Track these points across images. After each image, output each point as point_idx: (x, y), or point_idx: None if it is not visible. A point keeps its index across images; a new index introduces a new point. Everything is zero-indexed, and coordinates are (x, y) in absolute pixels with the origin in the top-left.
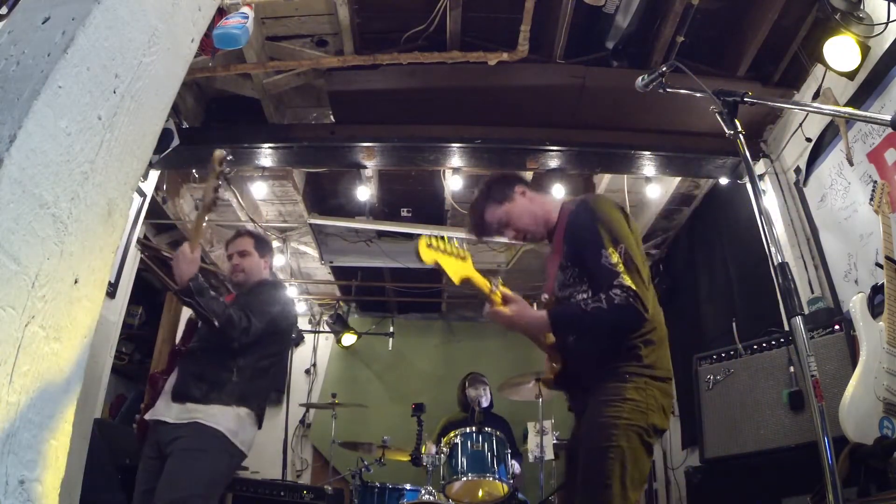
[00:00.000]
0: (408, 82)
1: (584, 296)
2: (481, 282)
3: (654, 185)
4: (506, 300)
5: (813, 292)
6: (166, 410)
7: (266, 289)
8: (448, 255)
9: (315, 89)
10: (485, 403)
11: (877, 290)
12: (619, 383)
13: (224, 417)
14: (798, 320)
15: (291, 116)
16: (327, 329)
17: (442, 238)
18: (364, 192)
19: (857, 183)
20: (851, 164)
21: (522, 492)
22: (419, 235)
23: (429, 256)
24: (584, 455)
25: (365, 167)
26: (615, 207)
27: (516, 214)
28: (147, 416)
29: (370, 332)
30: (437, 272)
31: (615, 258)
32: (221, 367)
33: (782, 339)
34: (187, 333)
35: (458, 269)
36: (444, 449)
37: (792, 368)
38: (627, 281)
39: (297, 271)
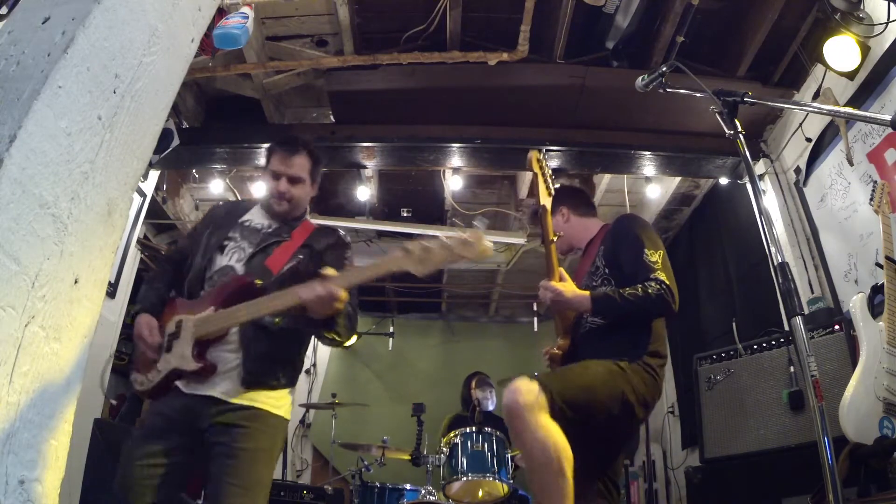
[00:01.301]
0: (408, 82)
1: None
2: (550, 223)
3: (654, 185)
4: (561, 277)
5: (813, 292)
6: (220, 385)
7: (345, 251)
8: (545, 179)
9: (315, 89)
10: (490, 407)
11: (877, 290)
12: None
13: (287, 402)
14: (798, 320)
15: (291, 116)
16: None
17: (547, 162)
18: (364, 192)
19: (857, 183)
20: (851, 164)
21: (525, 489)
22: (419, 236)
23: (535, 166)
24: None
25: (365, 167)
26: (652, 227)
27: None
28: (186, 389)
29: (370, 332)
30: (437, 272)
31: (655, 258)
32: (298, 348)
33: (782, 339)
34: (234, 293)
35: (544, 195)
36: (444, 449)
37: (792, 368)
38: (662, 276)
39: None
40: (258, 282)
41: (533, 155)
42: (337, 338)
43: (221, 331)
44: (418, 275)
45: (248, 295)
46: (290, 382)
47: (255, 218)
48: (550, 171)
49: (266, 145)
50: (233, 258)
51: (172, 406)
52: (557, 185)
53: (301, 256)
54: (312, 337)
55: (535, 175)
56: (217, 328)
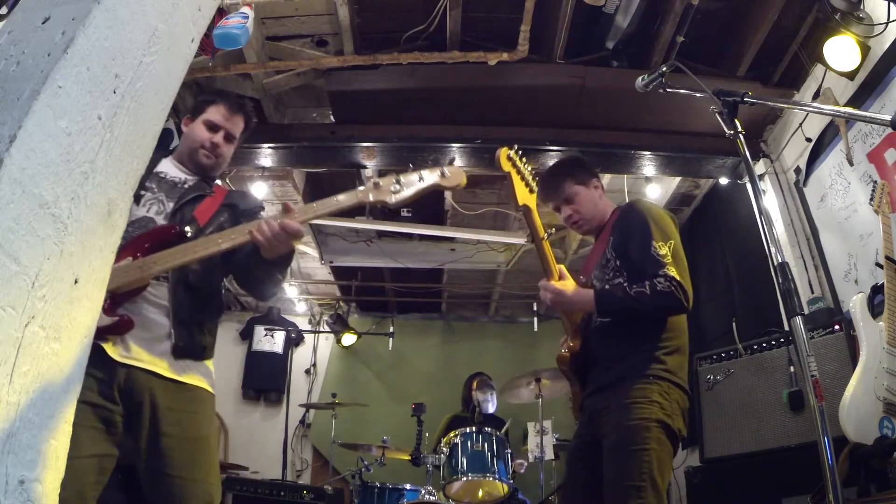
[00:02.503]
0: (408, 82)
1: (621, 281)
2: (538, 220)
3: (654, 185)
4: (561, 275)
5: (813, 292)
6: (153, 354)
7: (262, 214)
8: (521, 176)
9: (315, 89)
10: (491, 409)
11: (877, 290)
12: (644, 384)
13: (212, 374)
14: (798, 320)
15: (291, 116)
16: (327, 329)
17: (523, 158)
18: None
19: (857, 183)
20: (851, 164)
21: (522, 492)
22: (419, 235)
23: (505, 165)
24: (616, 458)
25: (365, 167)
26: (666, 212)
27: (585, 199)
28: (121, 358)
29: (370, 332)
30: (437, 272)
31: (664, 251)
32: (218, 314)
33: (782, 339)
34: (159, 242)
35: (524, 193)
36: (444, 449)
37: (792, 368)
38: (672, 272)
39: (297, 271)
40: (188, 230)
41: (502, 152)
42: (282, 278)
43: (142, 280)
44: (391, 205)
45: (177, 244)
46: (211, 352)
47: (170, 171)
48: (528, 167)
49: (266, 145)
50: (151, 210)
51: (99, 374)
52: (576, 157)
53: (226, 214)
54: (304, 337)
55: (509, 174)
56: (138, 277)
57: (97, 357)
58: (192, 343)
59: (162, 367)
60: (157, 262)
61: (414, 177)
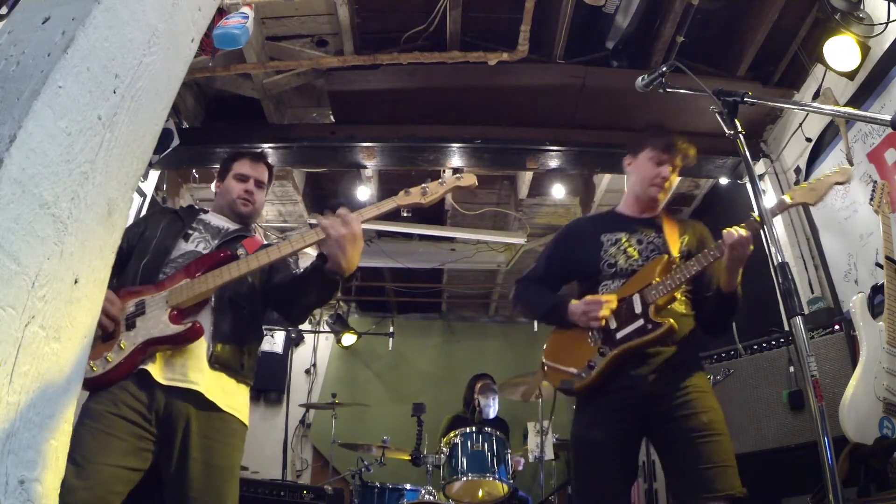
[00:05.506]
0: (408, 82)
1: None
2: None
3: None
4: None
5: (813, 292)
6: (196, 368)
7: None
8: None
9: (315, 89)
10: (491, 415)
11: (877, 290)
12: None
13: (248, 405)
14: (798, 320)
15: (291, 116)
16: (327, 329)
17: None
18: (364, 192)
19: (857, 183)
20: (851, 164)
21: (522, 491)
22: (419, 235)
23: None
24: (715, 440)
25: (365, 167)
26: None
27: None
28: (164, 380)
29: (370, 332)
30: (437, 272)
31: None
32: (256, 328)
33: (782, 339)
34: (214, 264)
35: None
36: (444, 449)
37: (792, 368)
38: None
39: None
40: (241, 252)
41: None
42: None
43: (202, 295)
44: (425, 204)
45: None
46: (250, 375)
47: (213, 220)
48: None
49: (266, 145)
50: (199, 246)
51: (141, 396)
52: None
53: None
54: (304, 337)
55: None
56: (199, 292)
57: (141, 380)
58: (230, 357)
59: (202, 386)
60: (219, 276)
61: (436, 182)
